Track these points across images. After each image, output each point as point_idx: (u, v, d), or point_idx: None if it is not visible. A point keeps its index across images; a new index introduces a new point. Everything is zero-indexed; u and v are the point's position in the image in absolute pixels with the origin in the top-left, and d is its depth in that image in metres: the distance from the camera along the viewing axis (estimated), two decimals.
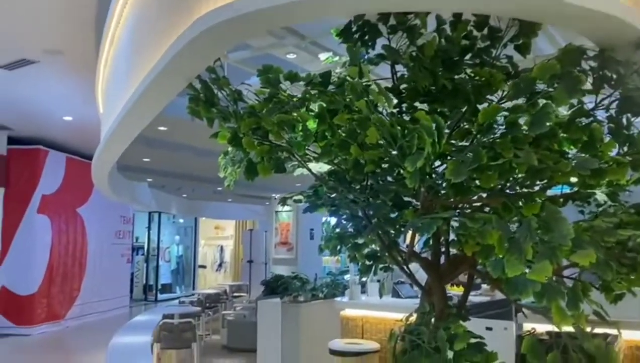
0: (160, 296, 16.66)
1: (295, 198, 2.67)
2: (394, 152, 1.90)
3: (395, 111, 2.17)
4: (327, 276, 8.36)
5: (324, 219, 11.10)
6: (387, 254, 2.58)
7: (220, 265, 20.55)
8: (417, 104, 2.22)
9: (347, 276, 8.12)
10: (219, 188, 12.48)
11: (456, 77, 2.08)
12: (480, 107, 1.99)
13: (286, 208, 10.84)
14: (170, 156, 8.50)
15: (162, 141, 7.15)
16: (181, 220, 19.06)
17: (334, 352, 4.40)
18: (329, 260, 12.31)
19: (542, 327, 2.51)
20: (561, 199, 2.14)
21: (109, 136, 4.77)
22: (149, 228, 17.36)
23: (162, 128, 6.23)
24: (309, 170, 2.46)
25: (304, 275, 8.26)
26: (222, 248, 20.66)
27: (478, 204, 2.15)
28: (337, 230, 2.75)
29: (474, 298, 4.87)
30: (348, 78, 2.11)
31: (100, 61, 5.34)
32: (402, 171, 2.26)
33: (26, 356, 8.78)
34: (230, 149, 2.80)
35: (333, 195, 2.46)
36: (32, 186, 10.64)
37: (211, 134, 2.53)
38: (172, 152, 8.04)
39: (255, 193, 12.80)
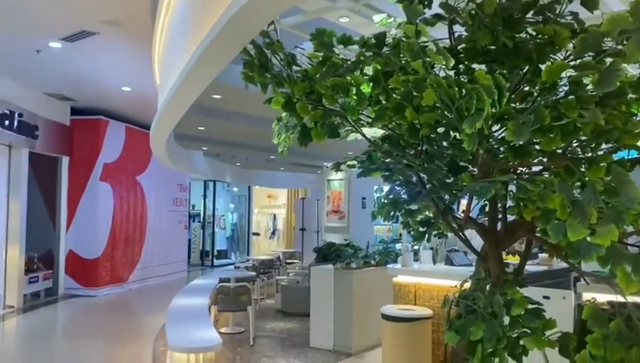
0: (216, 262, 17.23)
1: (349, 163, 2.67)
2: (450, 115, 1.86)
3: (452, 73, 2.11)
4: (379, 244, 8.39)
5: (375, 187, 11.07)
6: (441, 220, 2.56)
7: (273, 233, 20.97)
8: (474, 65, 2.15)
9: (398, 245, 8.12)
10: (272, 157, 12.64)
11: (517, 36, 2.00)
12: (542, 67, 1.90)
13: (338, 176, 10.86)
14: (225, 124, 8.64)
15: (217, 109, 7.27)
16: (235, 189, 19.48)
17: (386, 317, 4.43)
18: (380, 228, 12.32)
19: (603, 297, 2.44)
20: (628, 164, 2.04)
21: (166, 104, 4.88)
22: (204, 196, 17.86)
23: (216, 96, 6.32)
24: (363, 135, 2.44)
25: (356, 242, 8.32)
26: (274, 216, 21.05)
27: (538, 168, 2.08)
28: (391, 196, 2.74)
29: (531, 267, 4.77)
30: (403, 39, 2.06)
31: (156, 31, 5.44)
32: (458, 134, 2.22)
33: (94, 316, 9.32)
34: (283, 115, 2.82)
35: (387, 160, 2.44)
36: (94, 154, 11.09)
37: (265, 100, 2.55)
38: (226, 120, 8.17)
39: (308, 162, 12.89)
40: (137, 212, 12.36)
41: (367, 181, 2.66)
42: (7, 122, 8.61)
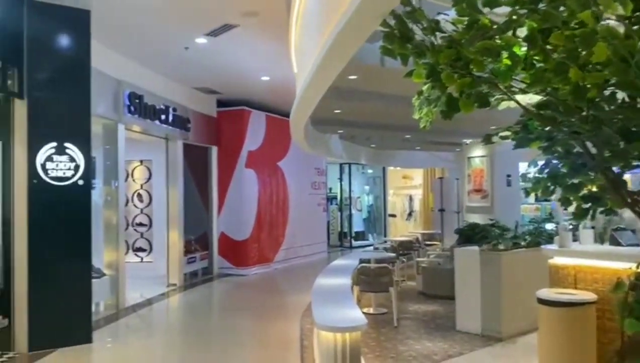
0: (354, 243, 17.53)
1: (501, 134, 2.47)
2: (629, 72, 1.60)
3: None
4: (529, 224, 7.84)
5: (527, 162, 10.34)
6: (609, 195, 2.27)
7: (409, 214, 20.72)
8: None
9: (548, 225, 7.52)
10: (407, 136, 12.41)
11: None
12: None
13: (479, 153, 10.36)
14: (360, 106, 8.62)
15: (353, 90, 7.26)
16: (370, 171, 19.56)
17: (543, 302, 4.09)
18: (527, 208, 11.56)
19: None
20: None
21: (305, 86, 4.96)
22: (340, 178, 18.18)
23: (352, 77, 6.30)
24: (517, 102, 2.22)
25: (502, 223, 7.86)
26: (410, 197, 20.76)
27: None
28: (547, 171, 2.49)
29: None
30: None
31: (292, 17, 5.54)
32: (626, 97, 1.93)
33: (245, 293, 9.98)
34: (424, 88, 2.68)
35: (547, 128, 2.21)
36: (239, 143, 11.78)
37: (405, 73, 2.43)
38: (361, 102, 8.15)
39: (445, 139, 12.44)
40: (279, 196, 12.93)
41: (512, 157, 2.44)
42: (163, 117, 9.42)
